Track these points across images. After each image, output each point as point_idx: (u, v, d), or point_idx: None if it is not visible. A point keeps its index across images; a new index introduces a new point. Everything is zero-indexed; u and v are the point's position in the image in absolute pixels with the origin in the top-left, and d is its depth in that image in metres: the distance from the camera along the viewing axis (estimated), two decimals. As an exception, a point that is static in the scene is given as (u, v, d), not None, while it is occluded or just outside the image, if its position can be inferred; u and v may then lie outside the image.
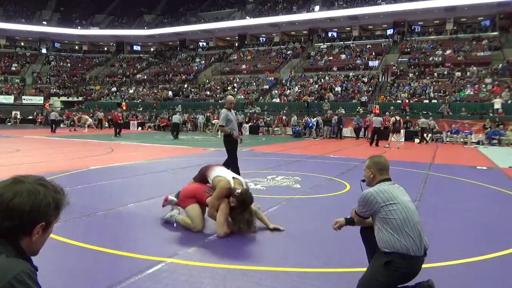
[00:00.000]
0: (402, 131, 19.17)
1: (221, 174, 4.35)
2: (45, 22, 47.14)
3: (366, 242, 2.87)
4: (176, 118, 19.98)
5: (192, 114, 27.11)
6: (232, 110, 7.27)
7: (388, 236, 2.52)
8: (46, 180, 1.29)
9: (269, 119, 24.72)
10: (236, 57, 40.15)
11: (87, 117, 26.57)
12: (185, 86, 35.46)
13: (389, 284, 2.51)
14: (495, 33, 31.48)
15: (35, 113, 34.08)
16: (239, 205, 4.05)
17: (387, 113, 20.44)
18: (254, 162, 10.76)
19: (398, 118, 16.29)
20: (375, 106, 23.03)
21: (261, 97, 29.94)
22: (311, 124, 21.85)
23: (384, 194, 2.63)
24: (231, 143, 7.10)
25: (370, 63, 30.94)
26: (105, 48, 51.53)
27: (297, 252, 3.64)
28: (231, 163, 6.92)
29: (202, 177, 4.58)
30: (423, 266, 2.60)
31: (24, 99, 37.27)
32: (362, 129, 21.39)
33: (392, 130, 16.29)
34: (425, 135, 19.45)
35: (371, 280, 2.53)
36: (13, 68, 43.08)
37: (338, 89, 27.84)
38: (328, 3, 39.05)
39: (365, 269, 2.67)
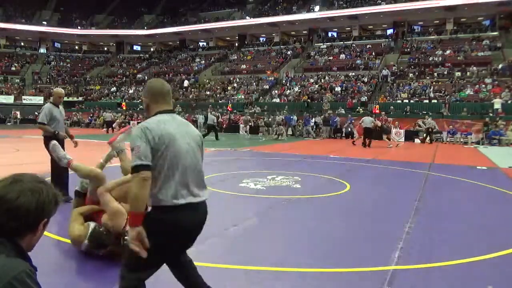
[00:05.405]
0: (399, 131, 19.82)
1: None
2: (45, 22, 47.09)
3: None
4: (210, 119, 19.53)
5: (191, 114, 27.09)
6: (60, 106, 5.69)
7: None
8: (42, 178, 1.32)
9: (270, 119, 24.66)
10: (236, 57, 40.15)
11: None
12: (185, 85, 35.48)
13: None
14: (495, 33, 31.45)
15: (35, 113, 34.10)
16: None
17: (382, 113, 20.59)
18: (254, 162, 10.76)
19: (379, 124, 17.04)
20: (375, 106, 23.00)
21: (261, 97, 29.94)
22: (306, 120, 21.99)
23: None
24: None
25: (370, 63, 30.93)
26: (105, 48, 51.48)
27: (297, 252, 3.63)
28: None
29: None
30: (424, 266, 2.59)
31: (24, 99, 37.23)
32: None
33: (383, 132, 17.01)
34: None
35: None
36: (13, 68, 43.04)
37: (338, 89, 27.84)
38: (328, 3, 39.01)
39: (366, 269, 2.66)
